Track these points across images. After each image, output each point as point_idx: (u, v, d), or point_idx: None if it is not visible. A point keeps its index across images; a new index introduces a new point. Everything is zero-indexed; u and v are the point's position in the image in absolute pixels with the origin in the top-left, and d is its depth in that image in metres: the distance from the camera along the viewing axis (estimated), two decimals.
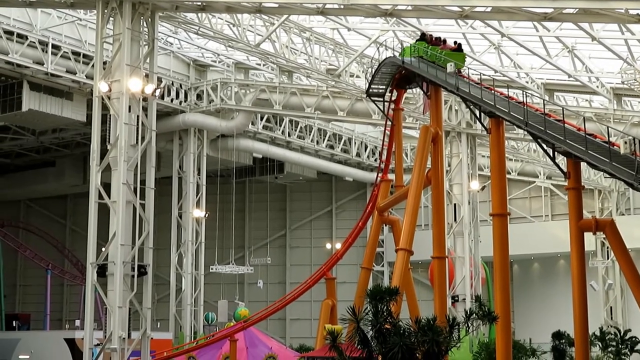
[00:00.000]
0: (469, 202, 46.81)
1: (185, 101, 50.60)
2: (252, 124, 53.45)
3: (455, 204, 46.44)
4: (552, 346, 32.74)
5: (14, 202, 69.20)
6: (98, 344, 29.86)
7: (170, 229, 50.33)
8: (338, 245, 46.82)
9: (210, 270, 50.86)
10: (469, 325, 17.68)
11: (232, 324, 40.11)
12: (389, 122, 36.74)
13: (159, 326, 48.89)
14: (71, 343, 44.33)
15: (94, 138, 31.35)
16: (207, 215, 50.98)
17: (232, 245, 55.81)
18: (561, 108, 27.08)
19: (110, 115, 31.06)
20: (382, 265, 62.74)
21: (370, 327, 17.14)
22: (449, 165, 46.83)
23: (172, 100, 49.63)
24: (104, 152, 31.48)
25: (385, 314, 17.14)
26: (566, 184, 24.45)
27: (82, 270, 56.74)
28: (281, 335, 61.10)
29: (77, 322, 50.14)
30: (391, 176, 37.26)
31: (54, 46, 42.35)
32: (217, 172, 55.59)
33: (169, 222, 50.45)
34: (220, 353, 37.92)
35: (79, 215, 65.24)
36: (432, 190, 31.57)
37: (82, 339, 32.22)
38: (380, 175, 37.25)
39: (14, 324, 57.31)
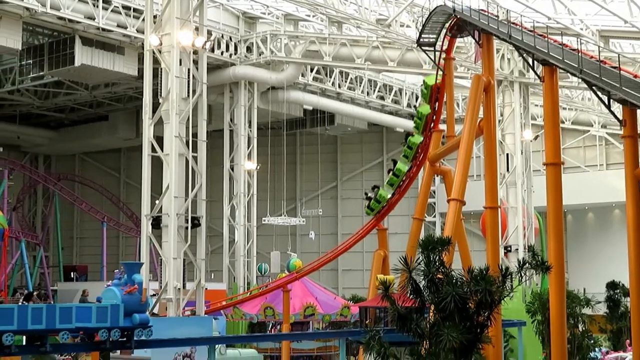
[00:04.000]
0: (521, 152, 46.36)
1: (235, 54, 50.61)
2: (302, 75, 53.37)
3: (507, 154, 46.04)
4: (607, 296, 32.51)
5: (69, 156, 70.36)
6: (154, 294, 30.36)
7: (222, 181, 50.72)
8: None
9: (263, 222, 51.26)
10: (522, 275, 17.58)
11: (285, 274, 40.43)
12: (439, 72, 36.33)
13: (212, 277, 49.59)
14: None
15: (145, 92, 31.59)
16: (258, 167, 51.24)
17: (284, 197, 56.14)
18: (617, 55, 26.55)
19: (161, 69, 31.24)
20: (434, 216, 62.66)
21: (422, 277, 17.16)
22: (501, 115, 46.34)
23: (222, 53, 49.68)
24: (155, 106, 31.72)
25: (437, 263, 17.14)
26: (622, 132, 24.01)
27: (137, 222, 57.60)
28: (333, 286, 61.55)
29: None
30: (442, 127, 36.98)
31: (104, 0, 42.59)
32: (268, 125, 55.73)
33: (221, 175, 50.84)
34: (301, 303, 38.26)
35: (132, 169, 66.14)
36: (484, 140, 31.25)
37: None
38: (431, 125, 36.96)
39: (72, 276, 58.62)
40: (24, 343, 18.22)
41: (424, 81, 35.89)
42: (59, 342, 18.67)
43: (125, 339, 19.22)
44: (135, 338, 19.31)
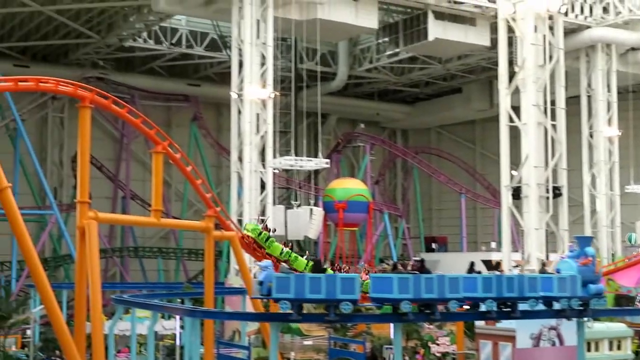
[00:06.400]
0: None
1: (590, 16, 48.35)
2: None
3: None
4: None
5: (424, 129, 72.04)
6: (516, 266, 30.20)
7: (580, 149, 48.89)
8: None
9: (626, 190, 48.77)
10: None
11: None
12: None
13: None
14: (488, 264, 45.40)
15: (500, 61, 31.40)
16: (620, 133, 48.75)
17: None
18: None
19: (515, 37, 30.85)
20: None
21: None
22: None
23: (576, 16, 47.66)
24: (510, 75, 31.41)
25: None
26: None
27: (494, 193, 57.58)
28: None
29: (493, 244, 51.14)
30: None
31: None
32: (629, 88, 52.81)
33: (578, 142, 48.97)
34: None
35: (487, 139, 66.14)
36: None
37: (500, 260, 32.81)
38: None
39: (433, 246, 60.09)
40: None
41: None
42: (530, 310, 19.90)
43: (582, 307, 20.32)
44: (590, 307, 20.45)
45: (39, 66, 51.03)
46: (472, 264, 23.07)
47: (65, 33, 49.66)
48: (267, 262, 19.66)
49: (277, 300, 17.80)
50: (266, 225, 27.93)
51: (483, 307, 19.24)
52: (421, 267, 20.99)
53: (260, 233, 27.41)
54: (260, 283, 18.26)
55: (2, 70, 43.24)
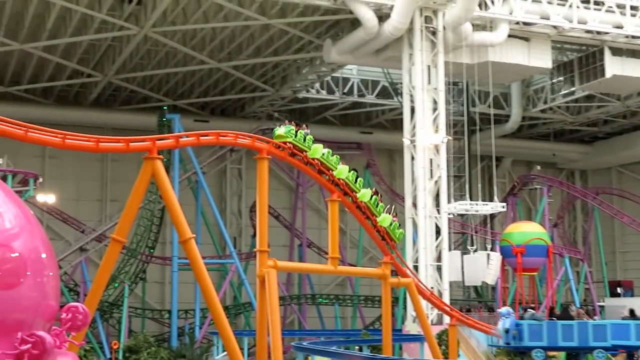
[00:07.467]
0: None
1: None
2: None
3: None
4: None
5: (604, 169, 69.51)
6: None
7: None
8: None
9: None
10: None
11: None
12: None
13: None
14: None
15: None
16: None
17: None
18: None
19: None
20: None
21: None
22: None
23: None
24: None
25: None
26: None
27: None
28: None
29: None
30: None
31: (632, 7, 41.48)
32: None
33: None
34: None
35: None
36: None
37: None
38: None
39: (618, 291, 57.54)
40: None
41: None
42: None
43: None
44: None
45: (217, 120, 53.05)
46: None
47: (241, 87, 51.49)
48: (507, 309, 19.17)
49: (529, 349, 17.42)
50: (297, 122, 23.63)
51: None
52: None
53: (296, 133, 22.83)
54: (507, 331, 17.92)
55: (184, 126, 45.29)
